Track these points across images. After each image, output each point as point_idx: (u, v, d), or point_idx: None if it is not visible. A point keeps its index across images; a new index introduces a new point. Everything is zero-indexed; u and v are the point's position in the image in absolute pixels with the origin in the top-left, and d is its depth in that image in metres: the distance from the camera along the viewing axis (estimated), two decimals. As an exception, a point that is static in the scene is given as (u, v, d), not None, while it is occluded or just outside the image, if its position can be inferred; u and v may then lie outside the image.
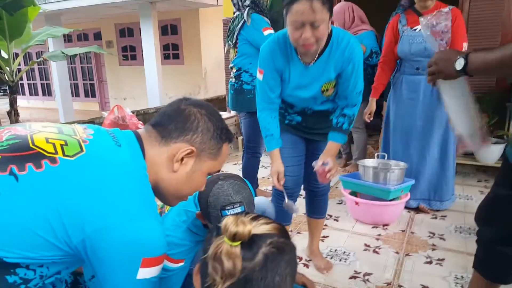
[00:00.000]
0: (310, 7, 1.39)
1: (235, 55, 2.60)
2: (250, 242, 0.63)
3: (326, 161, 1.63)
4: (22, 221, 0.73)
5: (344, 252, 2.12)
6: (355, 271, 1.93)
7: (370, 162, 2.59)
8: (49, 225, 0.74)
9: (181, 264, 1.41)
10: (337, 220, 2.55)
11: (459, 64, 1.07)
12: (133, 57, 8.71)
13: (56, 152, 0.79)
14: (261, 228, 0.66)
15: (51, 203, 0.74)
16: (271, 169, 1.70)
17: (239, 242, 0.62)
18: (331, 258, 2.04)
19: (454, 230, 2.37)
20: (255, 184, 2.86)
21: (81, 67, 9.88)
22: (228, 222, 0.64)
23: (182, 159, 0.90)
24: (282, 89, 1.69)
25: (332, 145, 1.68)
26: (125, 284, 0.79)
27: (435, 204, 2.62)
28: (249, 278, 0.61)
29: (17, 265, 0.76)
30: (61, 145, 0.80)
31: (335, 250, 2.13)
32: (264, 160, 3.13)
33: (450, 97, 1.18)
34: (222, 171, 1.48)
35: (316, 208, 1.94)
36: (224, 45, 3.29)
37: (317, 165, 1.64)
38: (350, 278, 1.87)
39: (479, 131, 1.16)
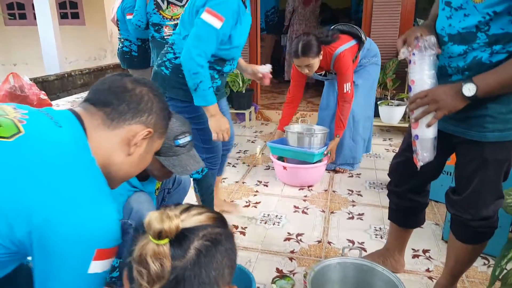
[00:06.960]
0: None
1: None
2: (179, 238, 0.56)
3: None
4: None
5: (276, 215, 2.22)
6: (288, 233, 2.05)
7: (295, 128, 2.71)
8: None
9: None
10: (266, 186, 2.65)
11: (469, 90, 1.04)
12: (22, 16, 7.59)
13: None
14: (192, 220, 0.60)
15: None
16: (218, 125, 1.67)
17: (167, 240, 0.55)
18: (265, 223, 2.13)
19: (368, 186, 2.64)
20: None
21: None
22: (152, 218, 0.56)
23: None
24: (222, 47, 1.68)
25: None
26: (75, 280, 0.70)
27: (346, 166, 2.87)
28: (180, 278, 0.55)
29: None
30: None
31: (268, 215, 2.22)
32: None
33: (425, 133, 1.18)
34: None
35: (222, 167, 2.19)
36: None
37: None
38: (285, 240, 1.98)
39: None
